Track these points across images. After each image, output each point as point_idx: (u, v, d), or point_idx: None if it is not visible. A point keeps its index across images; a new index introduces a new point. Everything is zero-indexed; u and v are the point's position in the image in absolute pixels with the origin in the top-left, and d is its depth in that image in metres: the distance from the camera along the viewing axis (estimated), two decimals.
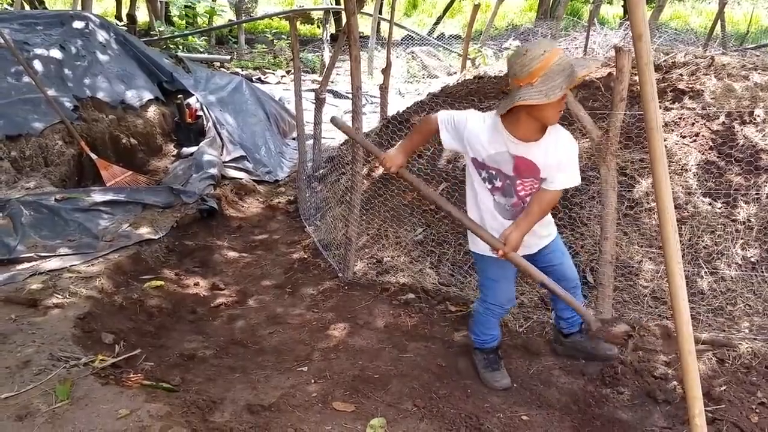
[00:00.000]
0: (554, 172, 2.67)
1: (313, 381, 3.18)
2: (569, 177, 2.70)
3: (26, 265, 4.21)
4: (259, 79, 12.73)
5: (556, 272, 3.04)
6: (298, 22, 18.25)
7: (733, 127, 4.29)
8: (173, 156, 7.22)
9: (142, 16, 16.40)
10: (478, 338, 3.22)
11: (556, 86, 2.36)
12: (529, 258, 2.94)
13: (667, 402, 2.97)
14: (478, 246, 2.96)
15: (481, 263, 3.07)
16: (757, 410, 2.88)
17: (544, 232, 2.98)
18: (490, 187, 2.81)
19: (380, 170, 5.42)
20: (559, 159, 2.65)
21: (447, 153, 5.05)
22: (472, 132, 2.70)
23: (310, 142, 6.59)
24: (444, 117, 2.81)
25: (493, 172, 2.75)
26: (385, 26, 15.36)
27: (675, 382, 3.07)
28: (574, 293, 3.09)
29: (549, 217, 2.98)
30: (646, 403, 2.99)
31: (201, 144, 6.92)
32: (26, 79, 6.04)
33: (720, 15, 9.88)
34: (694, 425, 2.07)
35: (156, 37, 12.75)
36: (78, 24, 7.33)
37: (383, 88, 6.96)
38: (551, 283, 2.86)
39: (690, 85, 4.74)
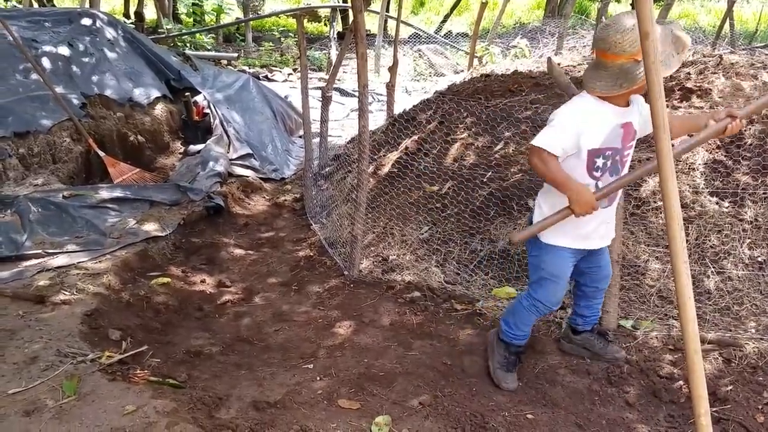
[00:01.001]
0: (645, 125, 2.69)
1: (318, 378, 3.19)
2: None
3: (34, 261, 4.24)
4: (266, 77, 12.74)
5: (600, 273, 3.06)
6: (305, 20, 18.27)
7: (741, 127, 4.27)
8: (180, 153, 7.25)
9: (150, 13, 16.45)
10: (510, 331, 3.11)
11: (669, 53, 2.34)
12: (590, 253, 2.94)
13: (673, 401, 2.97)
14: (557, 238, 2.82)
15: (544, 257, 2.89)
16: (764, 410, 2.87)
17: (612, 234, 2.99)
18: (600, 174, 2.67)
19: (386, 168, 5.43)
20: (644, 112, 2.66)
21: (454, 152, 5.05)
22: (587, 130, 2.57)
23: (317, 140, 6.60)
24: (549, 143, 2.56)
25: (609, 153, 2.63)
26: (392, 24, 15.36)
27: (681, 382, 3.06)
28: (600, 296, 3.19)
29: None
30: (652, 403, 2.98)
31: (208, 142, 6.94)
32: (34, 76, 6.07)
33: (729, 13, 9.84)
34: (699, 425, 2.06)
35: (164, 35, 12.80)
36: (86, 21, 7.36)
37: (390, 86, 6.96)
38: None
39: (698, 84, 4.72)
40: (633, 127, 2.66)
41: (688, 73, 4.95)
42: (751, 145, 4.16)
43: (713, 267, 3.78)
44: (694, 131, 2.72)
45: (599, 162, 2.64)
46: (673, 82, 4.85)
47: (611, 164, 2.68)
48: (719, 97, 4.50)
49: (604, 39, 2.46)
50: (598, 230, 2.85)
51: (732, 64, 5.01)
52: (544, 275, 2.93)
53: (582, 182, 2.61)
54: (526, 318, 3.08)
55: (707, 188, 4.05)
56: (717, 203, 4.00)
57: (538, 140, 2.57)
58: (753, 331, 3.45)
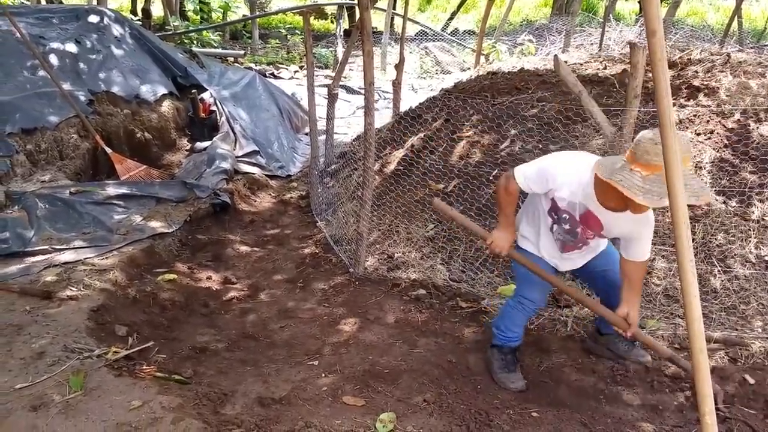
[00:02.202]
0: (634, 242, 2.71)
1: (323, 375, 3.20)
2: (647, 247, 2.74)
3: (41, 257, 4.26)
4: (273, 74, 12.73)
5: (604, 277, 3.05)
6: (311, 18, 18.26)
7: (748, 125, 4.26)
8: (187, 150, 7.26)
9: (157, 10, 16.47)
10: (501, 334, 3.17)
11: (659, 194, 2.24)
12: (582, 269, 3.04)
13: (678, 401, 2.96)
14: (526, 244, 3.03)
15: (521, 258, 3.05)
16: None
17: (592, 255, 3.01)
18: (554, 221, 2.83)
19: (392, 166, 5.43)
20: (634, 233, 2.68)
21: (459, 149, 5.04)
22: (562, 186, 2.67)
23: (323, 137, 6.60)
24: (524, 177, 2.74)
25: (566, 216, 2.75)
26: (399, 21, 15.32)
27: (686, 381, 3.05)
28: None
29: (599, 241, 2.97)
30: (657, 402, 2.97)
31: (214, 139, 6.95)
32: (42, 72, 6.10)
33: (737, 11, 9.79)
34: (704, 423, 2.05)
35: (170, 32, 12.82)
36: (93, 18, 7.38)
37: (396, 84, 6.95)
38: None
39: (705, 82, 4.70)
40: (600, 222, 2.68)
41: (696, 72, 4.93)
42: (758, 143, 4.14)
43: (720, 266, 3.76)
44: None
45: (554, 214, 2.80)
46: (680, 81, 4.83)
47: (568, 228, 2.79)
48: (726, 96, 4.48)
49: (639, 136, 2.40)
50: (561, 261, 2.99)
51: (740, 62, 4.99)
52: (520, 272, 3.08)
53: (541, 210, 2.84)
54: (515, 317, 3.13)
55: (714, 187, 4.03)
56: (724, 202, 3.99)
57: (519, 170, 2.77)
58: (759, 330, 3.44)
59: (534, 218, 2.95)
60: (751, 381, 3.06)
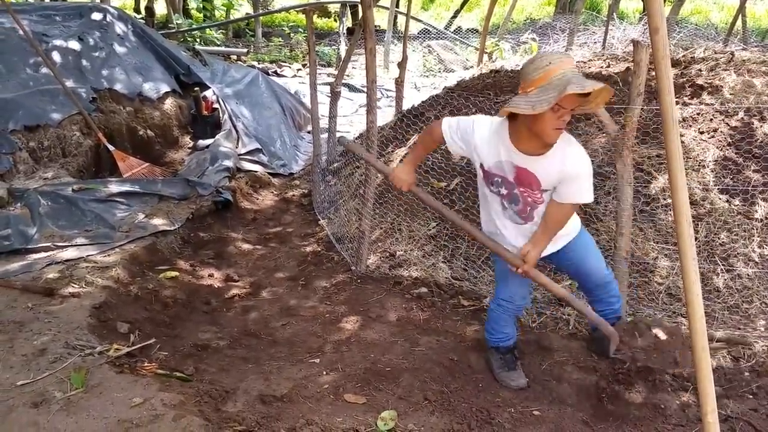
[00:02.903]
0: (560, 186, 2.61)
1: (325, 373, 3.19)
2: (579, 192, 2.62)
3: (43, 254, 4.26)
4: (276, 72, 12.74)
5: (578, 270, 3.03)
6: (314, 16, 18.27)
7: (752, 124, 4.24)
8: (189, 148, 7.27)
9: (160, 8, 16.48)
10: (492, 336, 3.19)
11: (545, 99, 2.29)
12: (551, 257, 2.95)
13: (680, 400, 2.95)
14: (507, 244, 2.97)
15: (496, 260, 3.06)
16: None
17: (562, 232, 2.90)
18: (496, 192, 2.79)
19: (394, 164, 5.41)
20: (563, 174, 2.57)
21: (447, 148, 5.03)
22: (480, 139, 2.68)
23: (325, 135, 6.60)
24: (448, 125, 2.78)
25: (499, 180, 2.72)
26: (401, 20, 15.31)
27: (688, 381, 3.04)
28: (602, 291, 3.09)
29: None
30: (659, 401, 2.96)
31: (217, 136, 6.96)
32: (45, 70, 6.10)
33: (741, 10, 9.76)
34: (706, 423, 2.05)
35: (174, 30, 12.81)
36: (96, 16, 7.38)
37: (399, 82, 6.94)
38: (571, 298, 2.91)
39: (709, 81, 4.68)
40: (534, 176, 2.62)
41: (699, 70, 4.92)
42: (762, 142, 4.13)
43: (723, 265, 3.75)
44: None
45: (492, 180, 2.76)
46: (684, 79, 4.82)
47: (508, 193, 2.74)
48: (730, 94, 4.47)
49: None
50: (515, 237, 2.88)
51: (744, 60, 4.97)
52: (497, 271, 3.12)
53: (492, 197, 2.82)
54: (498, 318, 3.12)
55: (717, 185, 4.02)
56: (727, 201, 3.97)
57: (446, 119, 2.81)
58: (762, 329, 3.43)
59: (486, 212, 2.92)
60: (754, 380, 3.05)
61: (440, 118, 2.87)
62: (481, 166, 2.75)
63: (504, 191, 2.74)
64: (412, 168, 3.02)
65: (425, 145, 3.00)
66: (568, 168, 2.55)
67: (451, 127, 2.78)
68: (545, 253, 2.90)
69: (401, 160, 3.10)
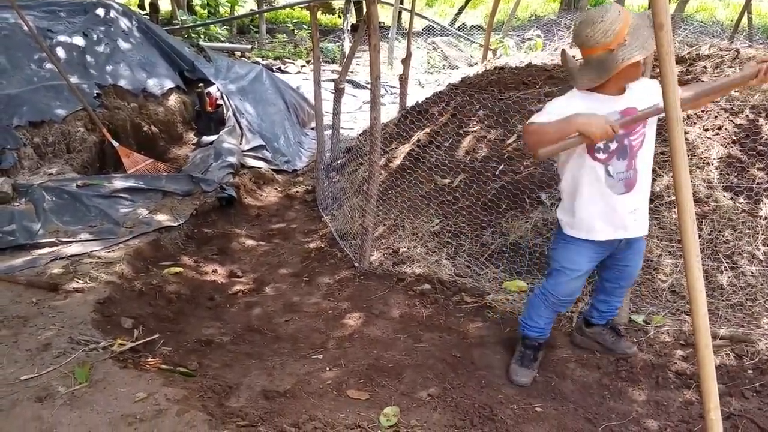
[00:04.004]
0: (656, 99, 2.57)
1: (327, 369, 3.20)
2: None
3: (48, 249, 4.28)
4: (280, 68, 12.74)
5: (626, 272, 3.02)
6: (318, 12, 18.24)
7: (758, 121, 4.22)
8: (193, 144, 7.28)
9: (165, 4, 16.48)
10: (525, 321, 3.13)
11: (647, 36, 2.37)
12: (618, 250, 2.91)
13: (683, 397, 2.95)
14: (574, 230, 2.84)
15: (561, 248, 2.93)
16: None
17: (646, 221, 2.87)
18: (605, 157, 2.65)
19: (398, 161, 5.42)
20: (649, 89, 2.67)
21: (465, 144, 5.03)
22: (579, 113, 2.53)
23: (329, 132, 6.61)
24: (542, 115, 2.63)
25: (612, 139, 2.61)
26: (406, 16, 15.28)
27: (691, 378, 3.04)
28: (620, 294, 3.15)
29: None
30: (662, 398, 2.96)
31: (221, 133, 6.97)
32: (49, 66, 6.11)
33: (747, 7, 9.71)
34: (709, 420, 2.04)
35: (178, 26, 12.81)
36: (100, 12, 7.39)
37: (403, 79, 6.94)
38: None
39: (714, 78, 4.66)
40: (636, 111, 2.59)
41: (704, 67, 4.90)
42: (767, 140, 4.11)
43: (726, 263, 3.74)
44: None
45: (600, 144, 2.62)
46: (689, 76, 4.80)
47: (617, 148, 2.65)
48: (735, 91, 4.45)
49: (578, 35, 2.55)
50: (622, 220, 2.76)
51: (749, 58, 4.95)
52: (556, 266, 2.96)
53: (586, 167, 2.69)
54: (539, 309, 3.07)
55: (722, 183, 4.01)
56: (732, 199, 3.96)
57: (534, 119, 2.66)
58: (766, 327, 3.41)
59: (583, 183, 2.73)
60: (757, 378, 3.04)
61: (526, 130, 2.66)
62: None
63: (613, 146, 2.64)
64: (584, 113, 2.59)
65: (552, 124, 2.58)
66: (648, 85, 2.70)
67: (548, 113, 2.64)
68: (623, 236, 2.81)
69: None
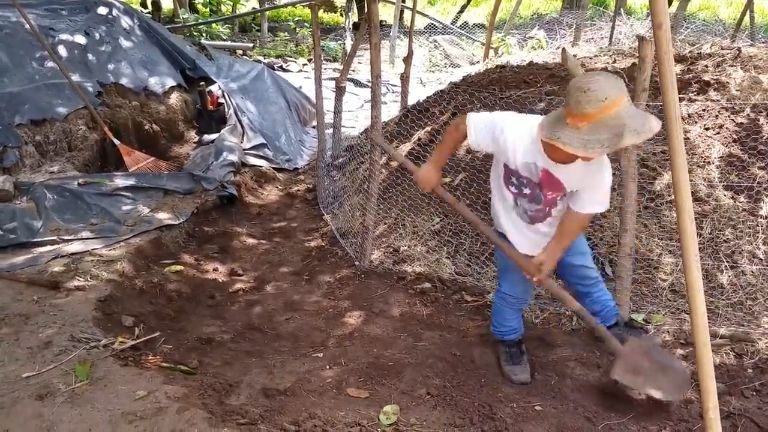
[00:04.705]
0: (580, 192, 2.61)
1: (328, 367, 3.21)
2: (596, 203, 2.63)
3: (49, 247, 4.29)
4: (281, 67, 12.74)
5: (577, 273, 3.04)
6: (320, 10, 18.23)
7: (759, 120, 4.22)
8: (195, 143, 7.29)
9: (167, 3, 16.50)
10: (496, 329, 3.22)
11: (600, 141, 2.20)
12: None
13: (683, 396, 2.95)
14: (495, 225, 2.99)
15: (499, 253, 3.06)
16: None
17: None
18: (516, 192, 2.76)
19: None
20: (585, 182, 2.58)
21: (467, 143, 5.02)
22: (509, 139, 2.59)
23: (330, 130, 6.61)
24: (474, 122, 2.69)
25: (524, 180, 2.69)
26: (408, 14, 15.27)
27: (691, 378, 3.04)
28: (594, 287, 3.10)
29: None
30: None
31: (222, 131, 6.97)
32: (51, 64, 6.12)
33: (749, 5, 9.69)
34: (708, 419, 2.05)
35: (180, 25, 12.83)
36: (102, 10, 7.40)
37: (404, 77, 6.94)
38: (583, 313, 2.88)
39: (715, 77, 4.66)
40: (559, 181, 2.60)
41: (706, 66, 4.89)
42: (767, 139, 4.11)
43: (727, 262, 3.74)
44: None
45: (514, 180, 2.71)
46: (690, 75, 4.80)
47: (531, 193, 2.70)
48: (736, 90, 4.45)
49: (568, 88, 2.38)
50: (521, 242, 2.89)
51: (750, 57, 4.94)
52: (501, 266, 3.09)
53: (507, 194, 2.78)
54: (502, 311, 3.14)
55: (722, 182, 4.00)
56: (732, 198, 3.96)
57: (472, 115, 2.71)
58: (766, 326, 3.41)
59: (499, 201, 2.88)
60: (757, 377, 3.04)
61: (462, 114, 2.79)
62: (505, 164, 2.70)
63: (527, 191, 2.72)
64: (436, 167, 2.95)
65: (452, 142, 2.89)
66: (590, 176, 2.56)
67: (477, 123, 2.68)
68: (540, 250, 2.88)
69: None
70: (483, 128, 2.67)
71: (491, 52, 10.11)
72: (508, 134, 2.59)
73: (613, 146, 2.17)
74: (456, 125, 2.79)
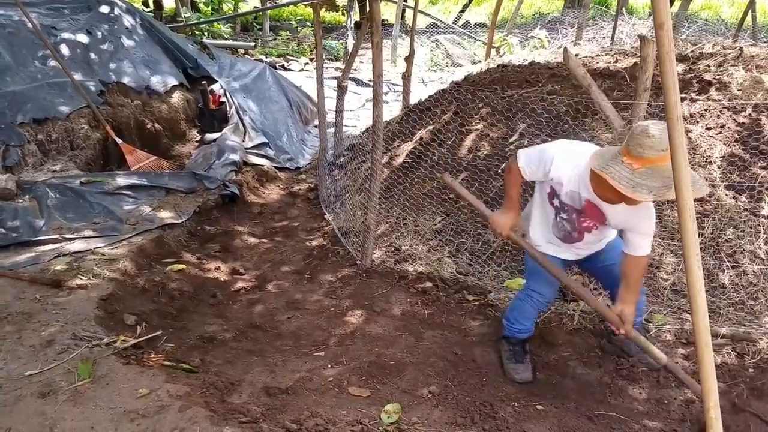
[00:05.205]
0: (628, 234, 2.67)
1: (329, 366, 3.21)
2: (647, 245, 2.68)
3: (51, 246, 4.29)
4: (283, 66, 12.74)
5: (609, 273, 3.02)
6: (322, 9, 18.24)
7: (760, 120, 4.22)
8: (197, 142, 7.29)
9: (169, 2, 16.49)
10: (510, 326, 3.18)
11: (649, 188, 2.25)
12: (583, 258, 3.02)
13: (684, 395, 2.95)
14: (534, 236, 3.02)
15: (526, 256, 3.08)
16: None
17: (598, 246, 2.99)
18: (557, 209, 2.82)
19: (401, 159, 5.42)
20: (631, 223, 2.63)
21: (468, 142, 5.03)
22: (558, 171, 2.64)
23: (332, 129, 6.61)
24: (525, 157, 2.74)
25: (567, 207, 2.74)
26: (409, 14, 15.27)
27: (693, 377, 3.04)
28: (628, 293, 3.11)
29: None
30: (662, 396, 2.97)
31: (224, 130, 6.97)
32: (53, 63, 6.13)
33: (751, 5, 9.68)
34: (708, 418, 2.05)
35: (181, 24, 12.82)
36: (104, 9, 7.40)
37: (406, 76, 6.94)
38: (642, 339, 2.83)
39: (717, 77, 4.66)
40: (602, 213, 2.65)
41: (708, 66, 4.89)
42: None
43: (728, 261, 3.74)
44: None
45: (556, 202, 2.78)
46: (692, 75, 4.80)
47: (567, 216, 2.78)
48: (738, 90, 4.44)
49: (634, 128, 2.41)
50: (563, 251, 2.98)
51: (752, 56, 4.94)
52: (529, 265, 3.09)
53: (543, 200, 2.85)
54: (524, 309, 3.13)
55: (724, 182, 4.00)
56: (734, 197, 3.96)
57: (521, 152, 2.77)
58: (767, 326, 3.42)
59: (539, 209, 2.94)
60: (758, 376, 3.05)
61: (515, 155, 2.81)
62: (551, 188, 2.75)
63: (565, 216, 2.79)
64: (509, 212, 2.94)
65: (511, 185, 2.93)
66: (639, 219, 2.61)
67: (528, 159, 2.74)
68: (577, 257, 2.99)
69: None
70: (534, 162, 2.72)
71: (493, 52, 10.10)
72: (557, 163, 2.63)
73: (659, 195, 2.23)
74: (509, 168, 2.86)
